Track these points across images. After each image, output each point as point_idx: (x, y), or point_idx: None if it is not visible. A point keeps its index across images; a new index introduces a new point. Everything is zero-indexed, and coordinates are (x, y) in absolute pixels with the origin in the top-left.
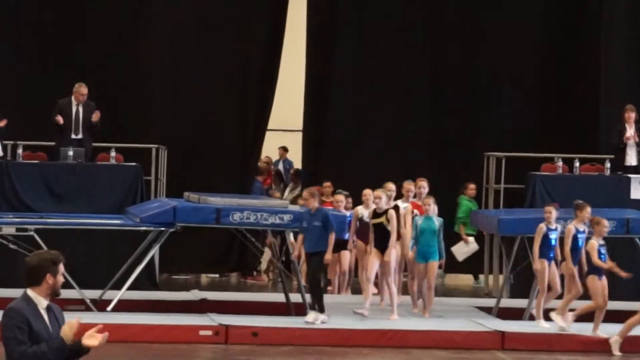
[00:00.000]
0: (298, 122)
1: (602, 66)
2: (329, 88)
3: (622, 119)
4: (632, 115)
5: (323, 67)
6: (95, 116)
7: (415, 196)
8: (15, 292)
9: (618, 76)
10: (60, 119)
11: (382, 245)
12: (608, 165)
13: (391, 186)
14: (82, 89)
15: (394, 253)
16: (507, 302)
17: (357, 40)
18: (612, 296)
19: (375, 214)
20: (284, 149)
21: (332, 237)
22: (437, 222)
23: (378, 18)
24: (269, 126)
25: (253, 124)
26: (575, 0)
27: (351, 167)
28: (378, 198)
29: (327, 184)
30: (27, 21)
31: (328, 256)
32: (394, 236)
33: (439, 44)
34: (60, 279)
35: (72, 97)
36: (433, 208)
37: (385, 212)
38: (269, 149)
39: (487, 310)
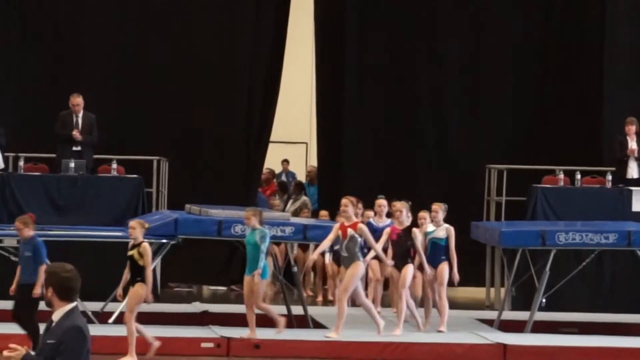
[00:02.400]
0: (301, 134)
1: (605, 78)
2: (339, 102)
3: (623, 131)
4: (633, 128)
5: (332, 81)
6: (76, 134)
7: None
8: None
9: (621, 88)
10: (77, 134)
11: (403, 260)
12: (609, 177)
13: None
14: (74, 99)
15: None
16: (508, 315)
17: (364, 53)
18: (614, 308)
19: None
20: (286, 162)
21: (42, 269)
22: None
23: (385, 28)
24: (273, 139)
25: (255, 136)
26: (578, 10)
27: (356, 179)
28: (399, 212)
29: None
30: (28, 32)
31: (36, 290)
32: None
33: (442, 56)
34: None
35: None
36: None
37: (409, 228)
38: (273, 161)
39: (489, 322)
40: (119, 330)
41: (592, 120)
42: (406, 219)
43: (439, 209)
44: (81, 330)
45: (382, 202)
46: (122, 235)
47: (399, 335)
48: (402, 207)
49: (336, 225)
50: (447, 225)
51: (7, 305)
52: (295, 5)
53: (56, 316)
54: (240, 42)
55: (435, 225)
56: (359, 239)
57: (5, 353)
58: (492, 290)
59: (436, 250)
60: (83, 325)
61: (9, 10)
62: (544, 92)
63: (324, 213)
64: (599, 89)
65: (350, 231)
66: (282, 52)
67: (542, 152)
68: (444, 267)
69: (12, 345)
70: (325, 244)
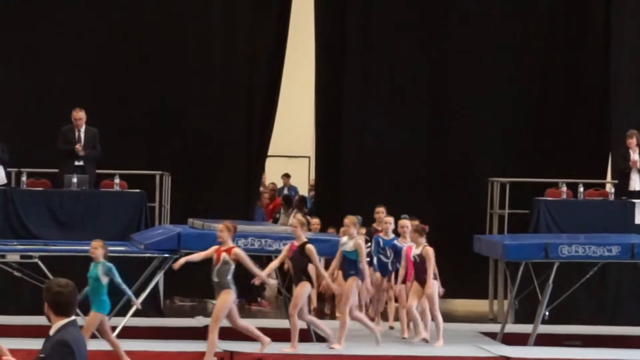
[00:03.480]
0: (304, 148)
1: (611, 89)
2: (339, 114)
3: (624, 144)
4: (634, 141)
5: (332, 95)
6: (79, 149)
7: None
8: (19, 320)
9: (627, 100)
10: (79, 147)
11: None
12: (612, 190)
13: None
14: (76, 114)
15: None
16: (512, 328)
17: (364, 68)
18: (617, 321)
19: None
20: (287, 176)
21: None
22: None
23: (386, 42)
24: (276, 152)
25: (256, 149)
26: (582, 17)
27: (356, 192)
28: (405, 227)
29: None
30: (30, 47)
31: None
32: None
33: (444, 68)
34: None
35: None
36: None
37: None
38: (276, 176)
39: (492, 335)
40: (123, 345)
41: (595, 133)
42: (355, 233)
43: (350, 223)
44: (67, 344)
45: (388, 219)
46: (125, 250)
47: (440, 345)
48: (350, 223)
49: (286, 247)
50: (357, 240)
51: (12, 321)
52: (296, 19)
53: (52, 331)
54: (240, 56)
55: (349, 238)
56: (232, 266)
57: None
58: (495, 303)
59: (345, 264)
60: (71, 340)
61: (10, 25)
62: (546, 105)
63: (315, 221)
64: (603, 101)
65: (224, 256)
66: (281, 67)
67: (544, 165)
68: (351, 282)
69: (6, 358)
70: (274, 265)
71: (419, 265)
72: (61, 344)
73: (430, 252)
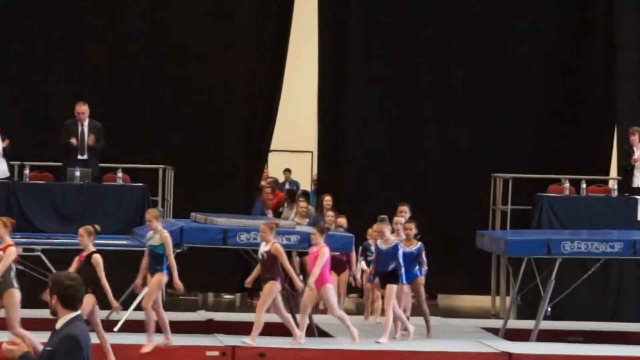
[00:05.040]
0: (306, 143)
1: (615, 85)
2: (341, 109)
3: (628, 141)
4: (636, 138)
5: (334, 89)
6: (90, 139)
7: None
8: (22, 313)
9: (631, 96)
10: (74, 141)
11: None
12: (615, 186)
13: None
14: (79, 107)
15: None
16: (514, 323)
17: (367, 63)
18: (619, 317)
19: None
20: (288, 171)
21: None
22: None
23: (389, 38)
24: (278, 147)
25: (258, 144)
26: (585, 21)
27: (358, 188)
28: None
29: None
30: (33, 40)
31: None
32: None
33: (447, 64)
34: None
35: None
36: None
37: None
38: (278, 170)
39: (494, 331)
40: (125, 339)
41: (599, 130)
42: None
43: (151, 217)
44: (76, 339)
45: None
46: (128, 243)
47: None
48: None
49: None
50: (163, 233)
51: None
52: (299, 13)
53: (58, 324)
54: (243, 51)
55: (155, 232)
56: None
57: (7, 346)
58: (498, 299)
59: (152, 259)
60: (80, 334)
61: (13, 19)
62: (549, 101)
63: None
64: (606, 97)
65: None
66: (283, 62)
67: (547, 161)
68: (158, 278)
69: (16, 340)
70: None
71: (267, 263)
72: (70, 339)
73: (279, 248)
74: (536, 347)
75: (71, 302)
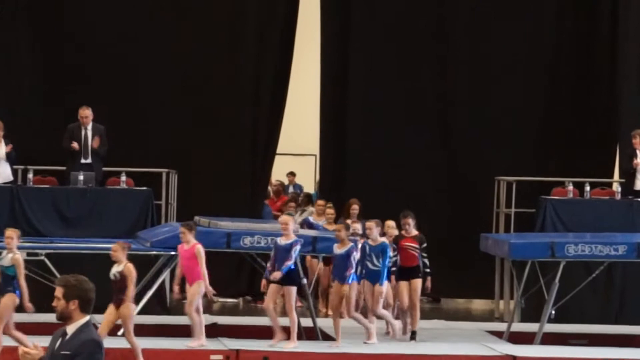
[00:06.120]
0: (310, 146)
1: (619, 88)
2: (344, 112)
3: (631, 144)
4: (639, 141)
5: (337, 94)
6: (95, 142)
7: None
8: (25, 317)
9: (634, 99)
10: (75, 145)
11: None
12: (619, 189)
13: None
14: (83, 111)
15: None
16: (518, 327)
17: (370, 66)
18: (623, 320)
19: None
20: (292, 174)
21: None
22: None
23: (391, 41)
24: (282, 151)
25: (263, 147)
26: (588, 21)
27: (361, 191)
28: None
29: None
30: (37, 45)
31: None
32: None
33: (450, 66)
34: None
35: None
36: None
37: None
38: (282, 173)
39: (498, 334)
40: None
41: (601, 132)
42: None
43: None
44: (99, 344)
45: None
46: (131, 247)
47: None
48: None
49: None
50: (14, 255)
51: (17, 318)
52: (301, 18)
53: (71, 328)
54: (247, 56)
55: (8, 252)
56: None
57: (24, 349)
58: (502, 302)
59: (3, 280)
60: (100, 340)
61: (17, 23)
62: (553, 104)
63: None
64: (609, 100)
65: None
66: (289, 64)
67: (551, 164)
68: (8, 299)
69: (35, 343)
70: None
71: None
72: (93, 343)
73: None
74: (540, 350)
75: (89, 306)
